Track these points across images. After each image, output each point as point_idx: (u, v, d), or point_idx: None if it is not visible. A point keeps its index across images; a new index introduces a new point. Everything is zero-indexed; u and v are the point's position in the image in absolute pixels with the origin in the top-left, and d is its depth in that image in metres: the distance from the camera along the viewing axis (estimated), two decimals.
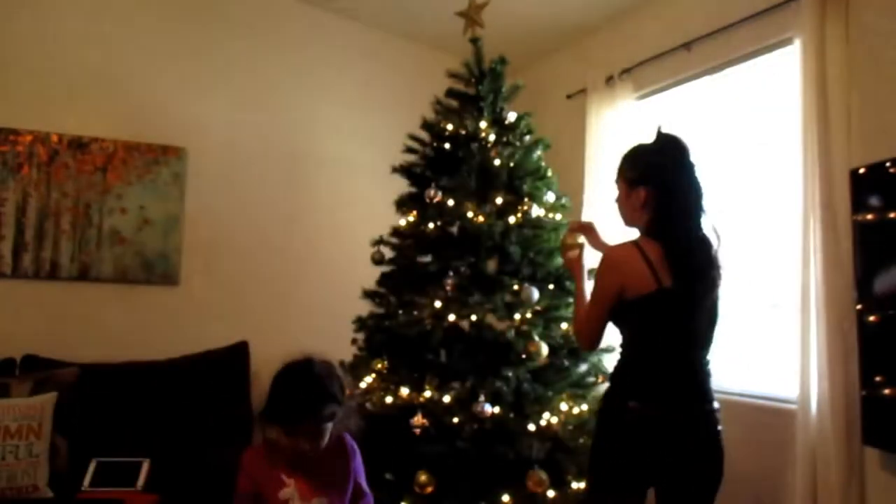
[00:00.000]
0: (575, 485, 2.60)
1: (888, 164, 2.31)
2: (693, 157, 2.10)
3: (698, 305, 1.99)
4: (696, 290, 1.98)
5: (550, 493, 2.51)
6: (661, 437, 1.94)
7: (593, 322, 2.11)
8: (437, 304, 2.73)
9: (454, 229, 2.89)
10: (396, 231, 3.02)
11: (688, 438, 1.96)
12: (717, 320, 2.06)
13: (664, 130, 2.15)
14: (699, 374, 2.01)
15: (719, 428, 2.01)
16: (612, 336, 3.10)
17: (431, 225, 2.88)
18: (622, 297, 1.99)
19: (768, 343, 2.98)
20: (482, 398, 2.54)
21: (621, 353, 2.09)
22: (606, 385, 2.15)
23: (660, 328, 2.00)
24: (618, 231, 3.45)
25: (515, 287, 2.75)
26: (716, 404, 2.01)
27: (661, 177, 2.05)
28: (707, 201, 2.05)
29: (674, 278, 1.94)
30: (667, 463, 1.94)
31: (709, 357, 2.04)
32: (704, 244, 2.02)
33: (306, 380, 2.07)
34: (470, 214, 2.81)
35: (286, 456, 2.04)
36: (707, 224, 2.05)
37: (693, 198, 2.03)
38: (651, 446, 1.93)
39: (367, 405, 2.85)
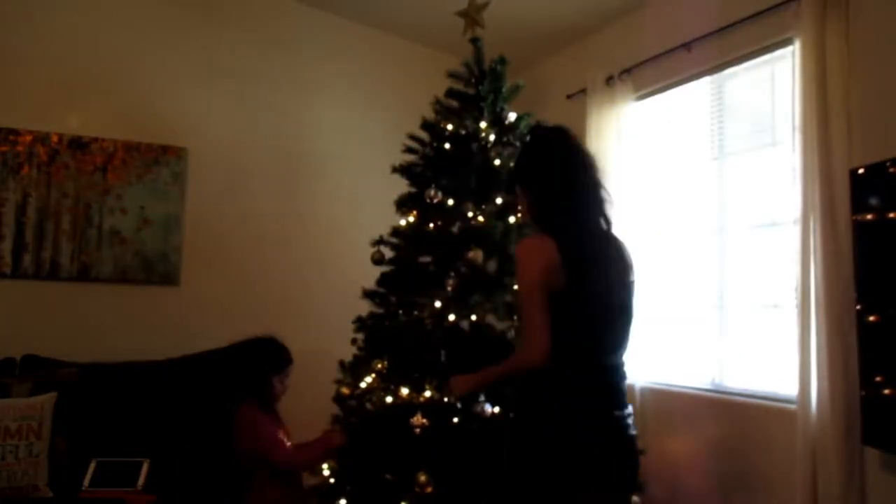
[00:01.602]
0: None
1: (888, 164, 2.31)
2: (577, 150, 2.05)
3: (602, 304, 1.94)
4: (592, 288, 1.92)
5: None
6: (578, 446, 1.88)
7: (536, 322, 1.91)
8: (437, 304, 2.73)
9: (455, 229, 2.89)
10: (396, 231, 3.02)
11: (602, 446, 1.90)
12: (631, 320, 2.02)
13: (543, 125, 2.15)
14: (613, 378, 1.98)
15: (633, 433, 1.98)
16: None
17: (431, 225, 2.88)
18: (550, 287, 1.90)
19: (768, 343, 2.98)
20: (482, 398, 2.54)
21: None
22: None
23: (570, 328, 1.92)
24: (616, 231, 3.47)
25: (515, 287, 2.75)
26: (629, 409, 1.98)
27: (531, 174, 2.04)
28: (606, 194, 2.03)
29: (568, 277, 1.89)
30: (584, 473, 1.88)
31: (624, 359, 2.01)
32: (600, 239, 2.00)
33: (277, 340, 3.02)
34: (470, 214, 2.81)
35: (270, 408, 2.94)
36: (613, 219, 2.04)
37: (574, 191, 1.99)
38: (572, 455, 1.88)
39: (367, 405, 2.86)
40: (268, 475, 2.82)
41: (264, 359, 2.96)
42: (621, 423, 1.94)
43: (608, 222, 2.07)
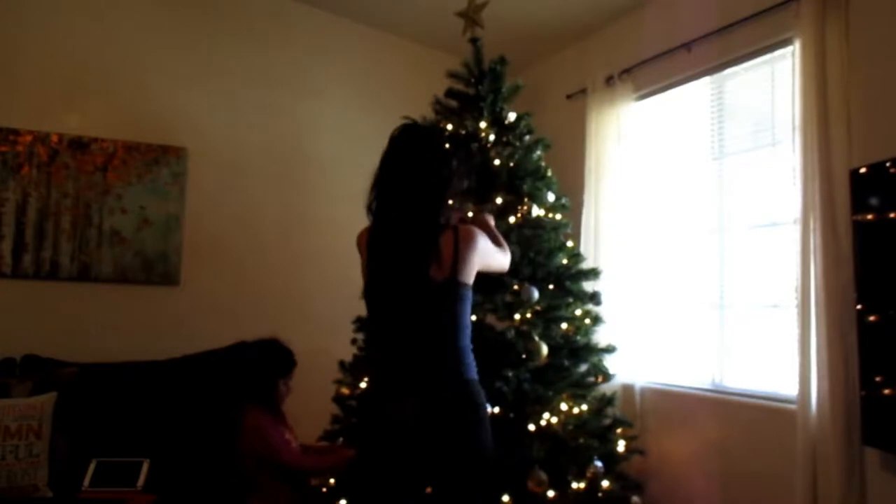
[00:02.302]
0: (575, 485, 2.60)
1: (888, 164, 2.31)
2: (419, 146, 2.13)
3: (395, 299, 2.06)
4: (386, 283, 2.07)
5: (550, 493, 2.51)
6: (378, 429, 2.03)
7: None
8: None
9: None
10: None
11: (373, 429, 2.05)
12: (439, 318, 2.05)
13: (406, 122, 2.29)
14: (394, 364, 2.05)
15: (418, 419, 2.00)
16: (612, 336, 3.12)
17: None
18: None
19: (768, 343, 2.98)
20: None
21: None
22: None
23: (372, 317, 2.14)
24: (616, 232, 3.48)
25: (515, 287, 2.75)
26: (476, 399, 2.03)
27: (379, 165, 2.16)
28: (430, 191, 2.08)
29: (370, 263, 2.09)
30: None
31: (416, 349, 2.05)
32: (391, 233, 2.07)
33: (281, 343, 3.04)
34: (470, 214, 2.81)
35: (277, 410, 2.96)
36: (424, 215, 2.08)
37: (397, 185, 2.08)
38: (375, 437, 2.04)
39: None
40: (269, 477, 2.82)
41: (271, 363, 2.96)
42: (391, 407, 2.01)
43: (410, 216, 2.08)
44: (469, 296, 2.09)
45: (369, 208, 2.13)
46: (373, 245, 2.09)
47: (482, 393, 2.05)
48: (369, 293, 2.12)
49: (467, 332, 2.08)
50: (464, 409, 1.99)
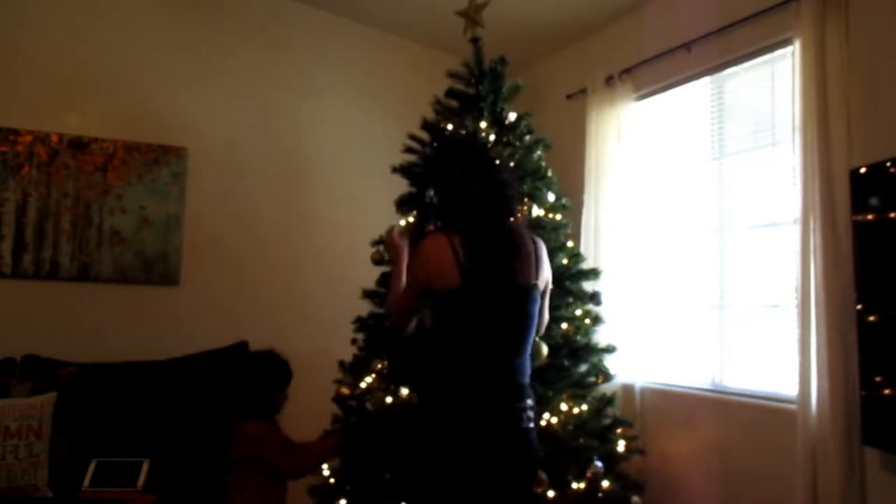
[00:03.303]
0: (575, 485, 2.60)
1: (888, 164, 2.31)
2: (485, 155, 2.26)
3: (494, 305, 2.06)
4: (486, 289, 2.06)
5: (550, 493, 2.51)
6: (459, 435, 2.01)
7: (406, 306, 2.23)
8: None
9: None
10: None
11: (485, 438, 2.02)
12: (528, 323, 2.12)
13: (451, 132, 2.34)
14: (498, 374, 2.07)
15: (527, 426, 2.07)
16: (612, 336, 3.12)
17: (431, 225, 2.88)
18: (430, 288, 2.09)
19: (768, 343, 2.98)
20: None
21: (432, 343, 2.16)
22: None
23: (459, 324, 2.08)
24: (616, 232, 3.48)
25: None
26: (529, 402, 2.08)
27: (441, 177, 2.23)
28: (513, 200, 2.18)
29: (464, 276, 2.03)
30: (471, 459, 2.01)
31: (518, 358, 2.10)
32: (505, 243, 2.11)
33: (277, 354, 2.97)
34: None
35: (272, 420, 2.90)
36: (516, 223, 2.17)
37: (481, 195, 2.13)
38: (454, 443, 2.01)
39: (367, 405, 2.86)
40: (257, 479, 2.83)
41: (272, 379, 2.95)
42: (511, 414, 2.05)
43: (505, 222, 2.17)
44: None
45: (429, 211, 2.19)
46: (473, 256, 2.07)
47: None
48: (466, 302, 2.08)
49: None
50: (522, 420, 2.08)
